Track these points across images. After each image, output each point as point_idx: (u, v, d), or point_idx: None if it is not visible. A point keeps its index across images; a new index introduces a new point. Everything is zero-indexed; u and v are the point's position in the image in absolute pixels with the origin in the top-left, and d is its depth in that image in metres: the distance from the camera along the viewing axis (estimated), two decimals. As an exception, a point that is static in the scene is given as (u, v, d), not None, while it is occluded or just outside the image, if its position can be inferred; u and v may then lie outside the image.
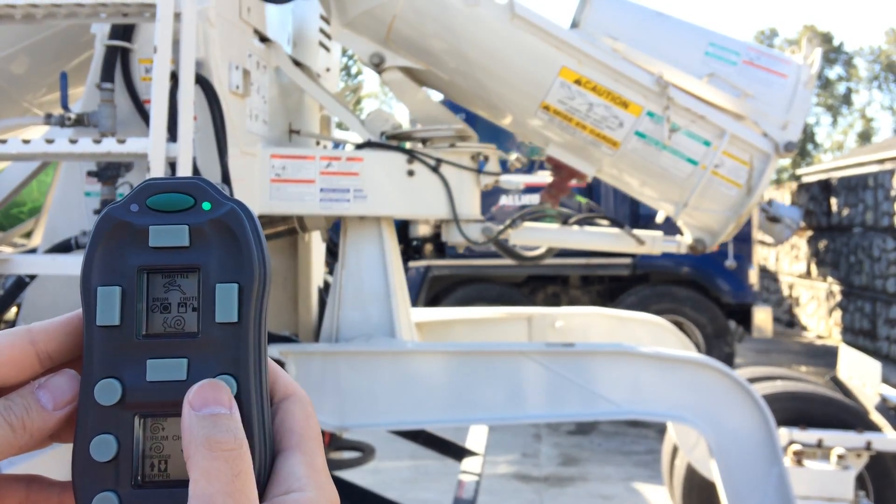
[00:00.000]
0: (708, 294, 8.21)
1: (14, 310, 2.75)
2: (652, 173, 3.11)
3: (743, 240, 7.86)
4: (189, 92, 2.15)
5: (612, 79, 3.00)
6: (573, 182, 3.33)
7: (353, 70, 27.96)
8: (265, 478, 0.44)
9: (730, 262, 7.83)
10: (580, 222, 3.54)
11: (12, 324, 2.77)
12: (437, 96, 3.49)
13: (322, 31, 3.59)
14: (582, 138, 3.07)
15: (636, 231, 3.44)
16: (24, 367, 0.44)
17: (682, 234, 3.44)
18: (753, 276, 8.19)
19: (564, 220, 3.53)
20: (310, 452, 0.45)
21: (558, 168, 3.25)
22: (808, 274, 13.41)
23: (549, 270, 8.36)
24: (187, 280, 0.45)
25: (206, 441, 0.40)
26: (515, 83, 3.06)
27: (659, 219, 3.66)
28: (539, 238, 3.55)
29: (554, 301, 8.68)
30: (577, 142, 3.10)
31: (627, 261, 8.17)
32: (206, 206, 0.45)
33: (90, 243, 0.44)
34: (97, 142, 2.13)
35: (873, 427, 3.45)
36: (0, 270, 2.28)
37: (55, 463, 1.44)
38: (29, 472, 0.47)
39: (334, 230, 3.46)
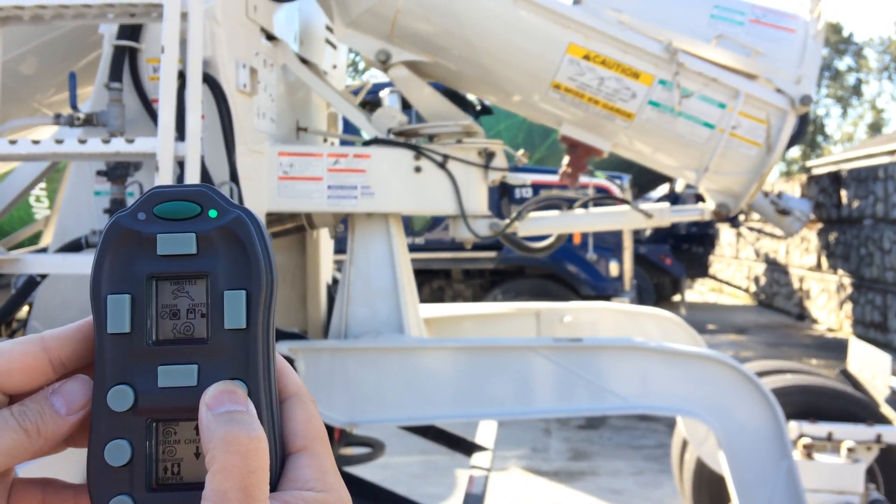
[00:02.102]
0: (570, 286, 8.58)
1: (26, 308, 2.77)
2: (669, 141, 3.09)
3: (613, 233, 8.27)
4: (196, 91, 2.16)
5: (620, 50, 2.98)
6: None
7: (361, 66, 27.96)
8: (275, 481, 0.44)
9: (590, 255, 8.15)
10: (585, 205, 3.53)
11: (24, 322, 2.79)
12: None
13: (328, 28, 3.60)
14: (595, 113, 3.06)
15: (643, 206, 3.43)
16: (38, 373, 0.45)
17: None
18: (615, 269, 8.48)
19: (570, 205, 3.53)
20: (317, 455, 0.45)
21: (573, 146, 3.25)
22: (818, 266, 13.36)
23: (422, 265, 8.58)
24: (196, 287, 0.46)
25: (224, 437, 0.41)
26: (524, 65, 3.05)
27: (678, 188, 3.66)
28: (546, 226, 3.54)
29: (439, 295, 8.88)
30: (591, 118, 3.09)
31: (493, 255, 8.46)
32: (213, 213, 0.45)
33: (98, 252, 0.45)
34: (106, 142, 2.14)
35: (883, 420, 3.44)
36: (12, 270, 2.30)
37: (69, 466, 1.45)
38: (44, 475, 0.48)
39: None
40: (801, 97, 3.02)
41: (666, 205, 3.51)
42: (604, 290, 8.46)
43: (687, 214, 3.57)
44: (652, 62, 2.98)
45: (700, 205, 3.45)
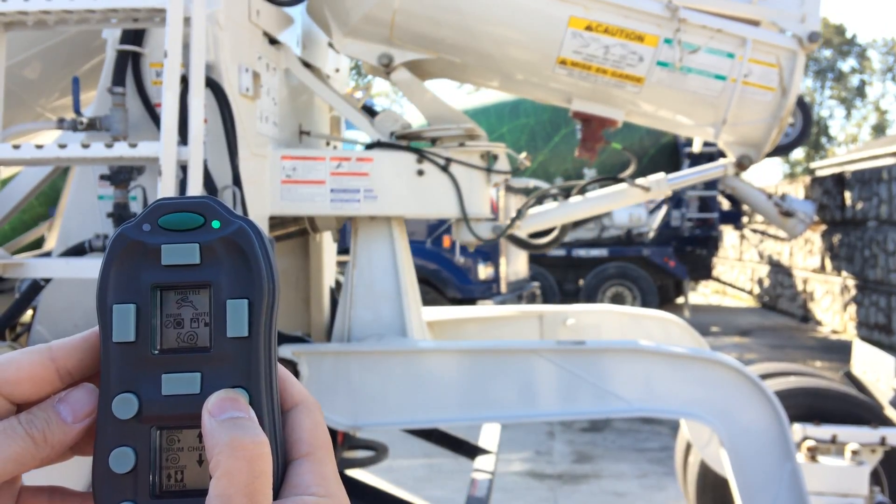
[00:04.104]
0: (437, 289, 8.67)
1: (30, 312, 2.78)
2: (683, 99, 3.09)
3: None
4: (199, 95, 2.16)
5: (621, 16, 2.98)
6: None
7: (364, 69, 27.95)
8: (277, 486, 0.45)
9: (457, 258, 8.18)
10: (583, 191, 3.53)
11: (28, 326, 2.80)
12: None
13: (331, 31, 3.60)
14: (605, 83, 3.05)
15: (639, 180, 3.42)
16: (45, 383, 0.46)
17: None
18: (484, 272, 8.54)
19: (566, 195, 3.52)
20: (319, 461, 0.46)
21: (587, 121, 3.24)
22: (822, 268, 13.33)
23: None
24: (199, 296, 0.46)
25: (230, 442, 0.41)
26: (528, 46, 3.05)
27: (696, 148, 3.64)
28: (547, 220, 3.54)
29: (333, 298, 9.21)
30: (601, 88, 3.09)
31: None
32: (216, 224, 0.46)
33: (104, 262, 0.46)
34: (109, 146, 2.15)
35: (888, 422, 3.44)
36: (16, 274, 2.30)
37: (75, 474, 1.45)
38: (50, 483, 0.48)
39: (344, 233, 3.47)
40: (809, 35, 3.02)
41: (662, 175, 3.49)
42: (470, 293, 8.52)
43: (710, 173, 3.55)
44: (654, 22, 2.97)
45: (721, 160, 3.44)
